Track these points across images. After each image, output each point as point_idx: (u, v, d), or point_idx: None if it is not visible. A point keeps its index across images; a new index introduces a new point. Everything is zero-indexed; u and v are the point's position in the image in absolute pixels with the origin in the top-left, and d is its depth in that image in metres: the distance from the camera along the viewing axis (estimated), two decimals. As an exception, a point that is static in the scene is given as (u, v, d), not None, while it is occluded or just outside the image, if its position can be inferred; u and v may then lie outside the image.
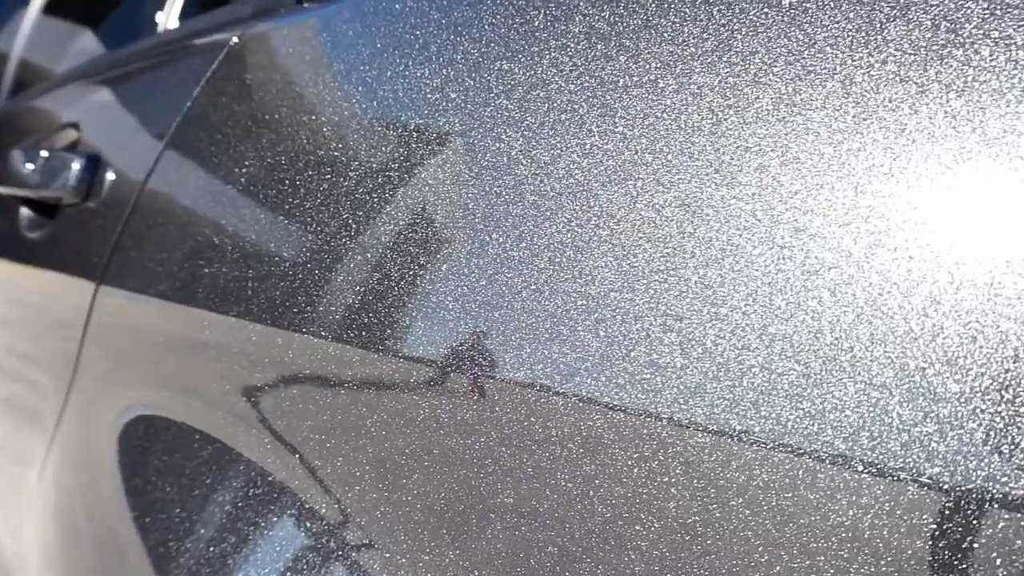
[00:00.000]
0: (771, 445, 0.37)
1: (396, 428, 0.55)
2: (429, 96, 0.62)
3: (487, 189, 0.54)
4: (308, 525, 0.64)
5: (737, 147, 0.43)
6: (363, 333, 0.59)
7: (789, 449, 0.37)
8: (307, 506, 0.63)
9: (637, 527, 0.41)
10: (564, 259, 0.48)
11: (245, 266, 0.74)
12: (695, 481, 0.39)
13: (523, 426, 0.47)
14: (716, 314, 0.40)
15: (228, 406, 0.74)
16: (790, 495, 0.36)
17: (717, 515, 0.38)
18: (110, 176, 1.04)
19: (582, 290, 0.47)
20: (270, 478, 0.68)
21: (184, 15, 1.44)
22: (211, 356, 0.76)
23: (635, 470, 0.42)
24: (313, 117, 0.75)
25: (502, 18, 0.59)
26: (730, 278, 0.40)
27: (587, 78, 0.52)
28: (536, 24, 0.57)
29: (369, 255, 0.61)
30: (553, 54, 0.55)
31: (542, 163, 0.52)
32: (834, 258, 0.37)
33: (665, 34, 0.48)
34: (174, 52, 1.10)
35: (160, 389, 0.85)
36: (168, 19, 1.43)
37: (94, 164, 1.05)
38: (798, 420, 0.37)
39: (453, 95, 0.60)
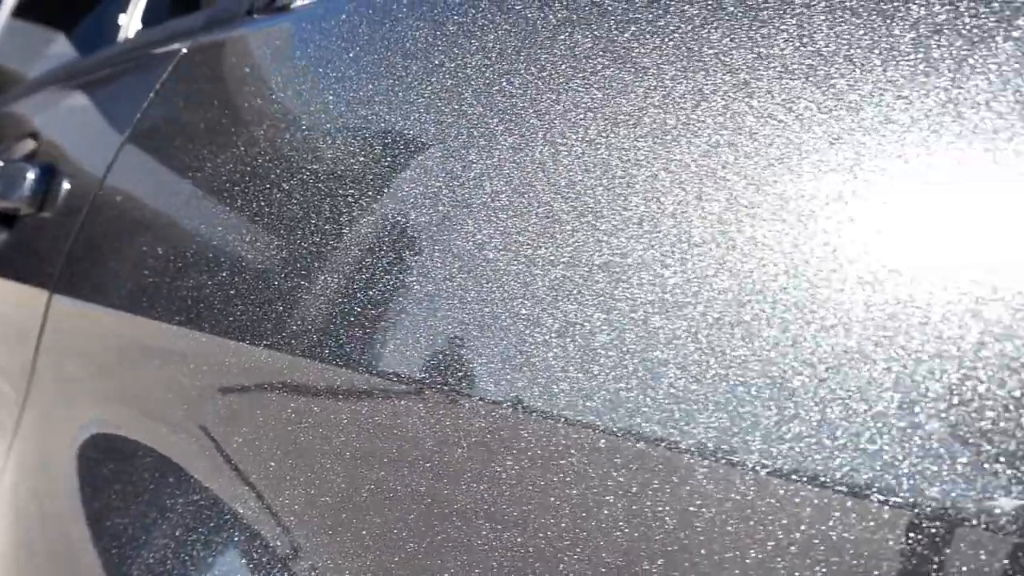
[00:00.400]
0: (663, 445, 0.38)
1: (350, 442, 0.56)
2: (367, 105, 0.64)
3: (404, 192, 0.56)
4: (257, 545, 0.65)
5: (614, 155, 0.44)
6: (313, 344, 0.60)
7: (679, 448, 0.38)
8: (256, 527, 0.64)
9: (541, 527, 0.43)
10: (468, 266, 0.49)
11: (193, 277, 0.75)
12: (594, 482, 0.41)
13: (444, 429, 0.49)
14: (607, 318, 0.42)
15: (178, 419, 0.75)
16: (683, 496, 0.37)
17: (604, 514, 0.40)
18: (65, 186, 1.04)
19: (486, 296, 0.48)
20: (222, 496, 0.69)
21: (156, 19, 1.45)
22: (157, 366, 0.77)
23: (537, 471, 0.43)
24: (257, 126, 0.76)
25: (434, 33, 0.61)
26: (619, 282, 0.42)
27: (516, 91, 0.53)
28: (460, 36, 0.58)
29: (317, 263, 0.62)
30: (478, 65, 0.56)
31: (453, 172, 0.53)
32: (718, 262, 0.39)
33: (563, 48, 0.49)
34: (129, 61, 1.11)
35: (113, 401, 0.86)
36: (131, 22, 1.44)
37: (49, 174, 1.06)
38: (688, 420, 0.38)
39: (389, 105, 0.61)
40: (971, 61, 0.34)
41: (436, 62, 0.58)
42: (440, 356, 0.50)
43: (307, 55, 0.77)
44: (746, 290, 0.37)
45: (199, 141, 0.84)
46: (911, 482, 0.31)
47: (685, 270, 0.39)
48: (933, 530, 0.30)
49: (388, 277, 0.54)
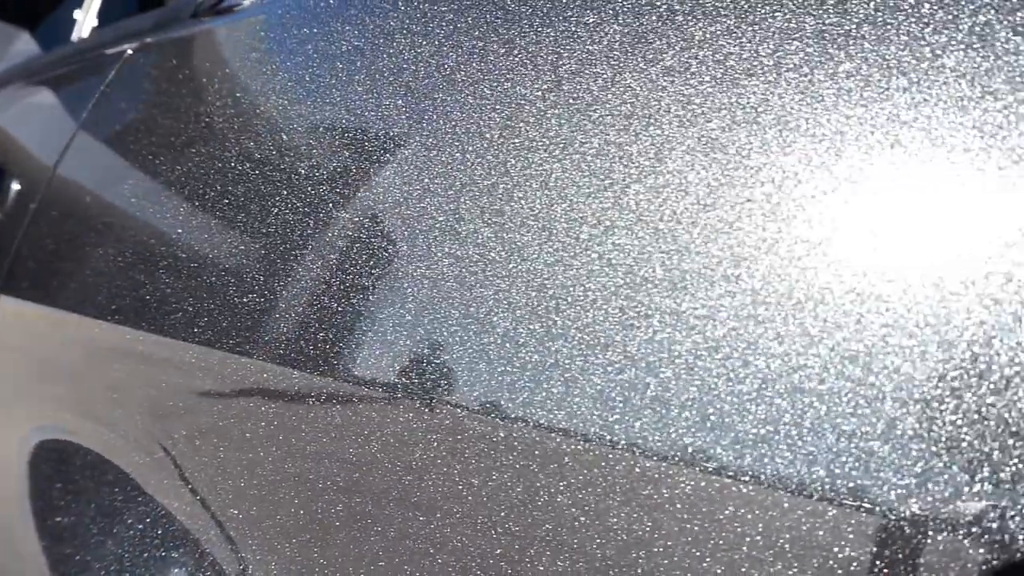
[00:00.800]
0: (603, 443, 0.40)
1: (307, 444, 0.57)
2: (307, 105, 0.65)
3: (348, 190, 0.57)
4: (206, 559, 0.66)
5: (542, 155, 0.45)
6: (268, 347, 0.60)
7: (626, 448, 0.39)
8: (205, 541, 0.64)
9: (490, 526, 0.44)
10: (398, 269, 0.51)
11: (136, 276, 0.76)
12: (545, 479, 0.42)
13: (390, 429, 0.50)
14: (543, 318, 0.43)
15: (129, 424, 0.76)
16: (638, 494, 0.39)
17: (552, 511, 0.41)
18: (15, 187, 1.05)
19: (426, 297, 0.49)
20: (165, 500, 0.69)
21: (116, 16, 1.44)
22: (100, 363, 0.78)
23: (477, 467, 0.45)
24: (197, 126, 0.77)
25: (360, 33, 0.62)
26: (558, 283, 0.43)
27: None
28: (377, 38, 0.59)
29: (265, 264, 0.63)
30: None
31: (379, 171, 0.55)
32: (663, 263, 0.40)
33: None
34: (81, 61, 1.11)
35: (59, 402, 0.87)
36: (86, 18, 1.43)
37: (-1, 175, 1.06)
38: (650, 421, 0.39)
39: (328, 105, 0.63)
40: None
41: (370, 61, 0.59)
42: (407, 361, 0.51)
43: (248, 56, 0.78)
44: (673, 288, 0.38)
45: (143, 141, 0.84)
46: (862, 483, 0.31)
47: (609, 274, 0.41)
48: (895, 532, 0.30)
49: (343, 278, 0.55)
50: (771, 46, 0.38)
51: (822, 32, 0.36)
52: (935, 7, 0.34)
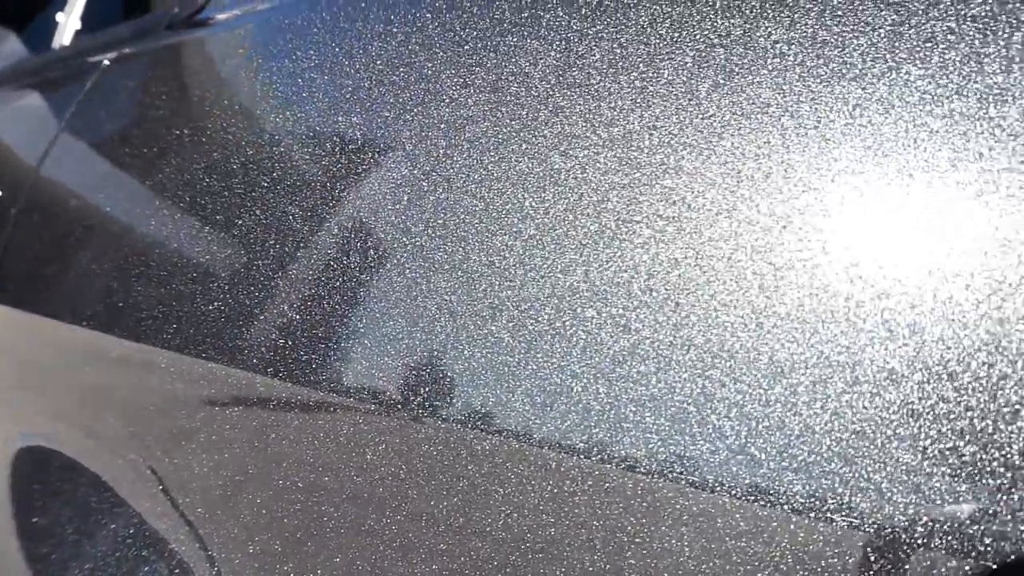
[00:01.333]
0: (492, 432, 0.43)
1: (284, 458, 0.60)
2: (280, 114, 0.67)
3: (315, 196, 0.59)
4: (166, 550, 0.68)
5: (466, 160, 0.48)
6: (249, 356, 0.63)
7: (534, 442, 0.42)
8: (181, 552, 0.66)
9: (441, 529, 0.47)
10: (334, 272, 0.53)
11: (111, 283, 0.78)
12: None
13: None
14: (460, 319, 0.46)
15: (100, 427, 0.78)
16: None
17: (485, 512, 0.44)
18: (-3, 192, 1.07)
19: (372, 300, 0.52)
20: (149, 521, 0.71)
21: (101, 17, 1.46)
22: (74, 367, 0.81)
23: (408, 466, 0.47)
24: (172, 135, 0.79)
25: (327, 46, 0.64)
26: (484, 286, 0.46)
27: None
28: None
29: (220, 271, 0.65)
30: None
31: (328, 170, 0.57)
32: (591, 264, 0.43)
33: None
34: (62, 69, 1.13)
35: (42, 410, 0.89)
36: (68, 21, 1.45)
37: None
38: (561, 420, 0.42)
39: (300, 114, 0.65)
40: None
41: (342, 74, 0.62)
42: (369, 367, 0.53)
43: (221, 68, 0.80)
44: (611, 287, 0.40)
45: (121, 150, 0.87)
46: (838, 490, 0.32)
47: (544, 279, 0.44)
48: (873, 540, 0.31)
49: (312, 287, 0.58)
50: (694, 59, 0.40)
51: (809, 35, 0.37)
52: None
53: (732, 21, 0.39)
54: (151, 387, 0.70)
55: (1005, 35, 0.32)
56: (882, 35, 0.34)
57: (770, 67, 0.37)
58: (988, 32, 0.32)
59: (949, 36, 0.33)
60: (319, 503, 0.52)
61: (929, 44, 0.33)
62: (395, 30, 0.58)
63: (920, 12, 0.34)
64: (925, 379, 0.31)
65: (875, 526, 0.31)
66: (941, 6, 0.33)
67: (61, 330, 0.83)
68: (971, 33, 0.32)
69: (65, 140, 0.96)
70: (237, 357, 0.59)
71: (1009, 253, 0.30)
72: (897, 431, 0.31)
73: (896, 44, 0.34)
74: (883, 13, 0.35)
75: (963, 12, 0.33)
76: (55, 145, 0.98)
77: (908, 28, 0.34)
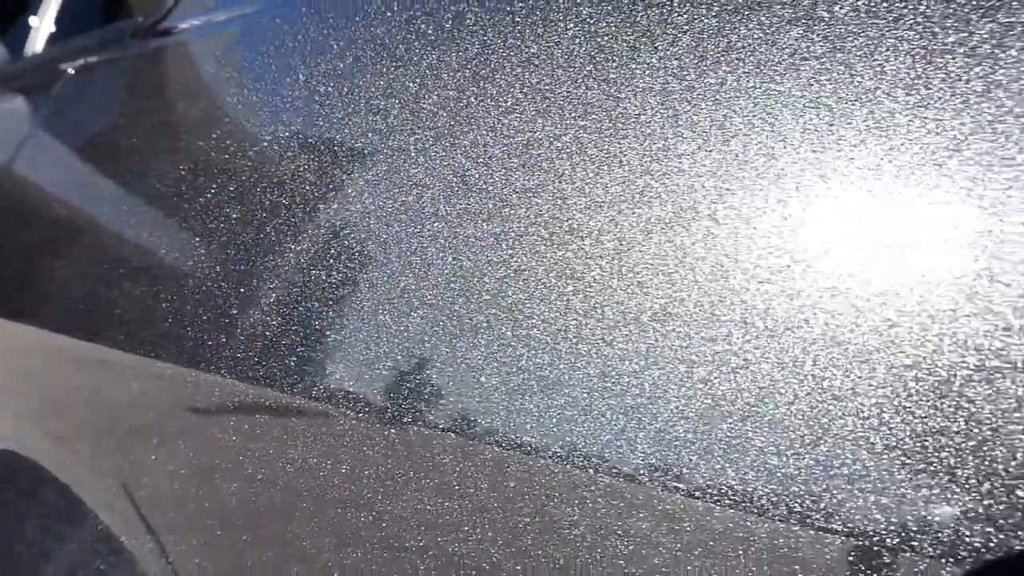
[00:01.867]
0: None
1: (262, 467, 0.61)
2: (247, 120, 0.68)
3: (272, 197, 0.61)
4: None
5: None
6: (235, 363, 0.64)
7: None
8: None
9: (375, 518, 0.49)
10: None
11: (81, 288, 0.80)
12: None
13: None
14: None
15: (70, 434, 0.80)
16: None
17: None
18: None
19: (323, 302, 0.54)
20: (116, 533, 0.72)
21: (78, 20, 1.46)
22: (43, 373, 0.82)
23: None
24: (135, 144, 0.81)
25: (289, 55, 0.66)
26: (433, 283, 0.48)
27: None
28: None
29: (189, 279, 0.67)
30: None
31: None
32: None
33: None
34: (33, 75, 1.14)
35: (9, 414, 0.91)
36: (42, 24, 1.45)
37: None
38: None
39: (261, 127, 0.66)
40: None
41: (307, 84, 0.63)
42: (338, 372, 0.55)
43: (184, 77, 0.82)
44: (573, 288, 0.41)
45: (83, 158, 0.88)
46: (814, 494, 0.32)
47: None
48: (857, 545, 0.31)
49: (284, 293, 0.59)
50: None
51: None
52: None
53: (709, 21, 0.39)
54: (117, 390, 0.71)
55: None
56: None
57: (749, 67, 0.37)
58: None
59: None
60: (294, 508, 0.53)
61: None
62: (358, 35, 0.59)
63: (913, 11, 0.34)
64: (903, 382, 0.31)
65: (855, 530, 0.31)
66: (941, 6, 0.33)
67: (27, 334, 0.85)
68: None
69: (29, 148, 0.98)
70: (207, 361, 0.61)
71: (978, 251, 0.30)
72: (876, 435, 0.31)
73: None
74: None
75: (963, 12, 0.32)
76: (20, 152, 0.99)
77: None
